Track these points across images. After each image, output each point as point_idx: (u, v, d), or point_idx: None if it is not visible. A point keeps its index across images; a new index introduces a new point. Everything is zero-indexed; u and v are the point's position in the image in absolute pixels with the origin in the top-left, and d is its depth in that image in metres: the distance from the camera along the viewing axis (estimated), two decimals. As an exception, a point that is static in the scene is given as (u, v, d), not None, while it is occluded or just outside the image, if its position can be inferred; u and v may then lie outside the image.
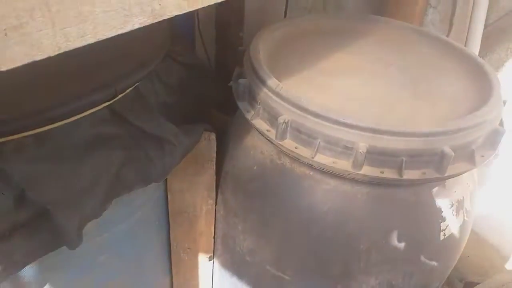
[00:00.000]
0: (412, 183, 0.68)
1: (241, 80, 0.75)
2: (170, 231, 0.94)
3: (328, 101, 0.71)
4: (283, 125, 0.66)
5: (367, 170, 0.64)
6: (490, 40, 0.98)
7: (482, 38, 0.98)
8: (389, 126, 0.61)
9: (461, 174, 0.67)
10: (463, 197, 0.76)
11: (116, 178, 0.66)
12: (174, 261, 1.01)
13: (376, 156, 0.63)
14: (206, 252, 1.00)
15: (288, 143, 0.68)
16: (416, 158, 0.63)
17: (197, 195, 0.88)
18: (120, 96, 0.65)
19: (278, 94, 0.68)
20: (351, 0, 1.17)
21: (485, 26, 0.99)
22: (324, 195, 0.72)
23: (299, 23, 0.94)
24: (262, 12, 1.37)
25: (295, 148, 0.68)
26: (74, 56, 0.68)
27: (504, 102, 0.76)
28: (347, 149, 0.64)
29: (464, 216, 0.78)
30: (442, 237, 0.75)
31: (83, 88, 0.60)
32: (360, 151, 0.61)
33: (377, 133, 0.61)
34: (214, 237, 0.97)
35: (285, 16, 1.23)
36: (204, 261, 1.01)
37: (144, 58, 0.69)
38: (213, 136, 0.79)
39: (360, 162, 0.63)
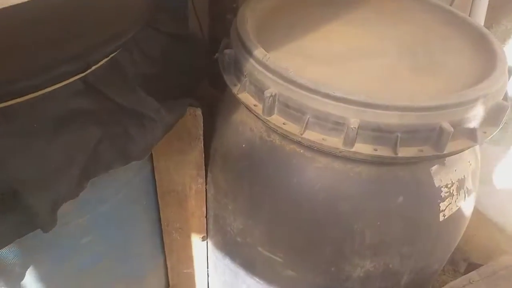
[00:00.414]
0: (408, 161, 0.63)
1: (226, 51, 0.70)
2: (160, 211, 0.91)
3: (319, 74, 0.66)
4: (270, 99, 0.62)
5: (359, 148, 0.60)
6: (496, 10, 0.92)
7: (488, 8, 0.92)
8: (382, 99, 0.57)
9: (461, 152, 0.62)
10: (464, 176, 0.72)
11: (93, 156, 0.62)
12: (166, 241, 0.99)
13: (369, 132, 0.59)
14: (199, 232, 0.97)
15: (276, 119, 0.64)
16: (412, 134, 0.58)
17: (185, 174, 0.85)
18: (94, 67, 0.61)
19: (265, 66, 0.63)
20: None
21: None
22: (315, 173, 0.68)
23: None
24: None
25: (283, 124, 0.63)
26: (41, 24, 0.64)
27: (510, 74, 0.71)
28: (337, 125, 0.59)
29: (465, 196, 0.73)
30: (441, 218, 0.71)
31: (52, 59, 0.55)
32: (352, 126, 0.57)
33: (369, 107, 0.57)
34: (206, 217, 0.94)
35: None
36: (197, 241, 0.99)
37: (120, 27, 0.64)
38: (199, 112, 0.75)
39: (351, 139, 0.58)
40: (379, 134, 0.58)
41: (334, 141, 0.60)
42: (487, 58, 0.70)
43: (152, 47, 0.74)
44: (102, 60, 0.62)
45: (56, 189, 0.57)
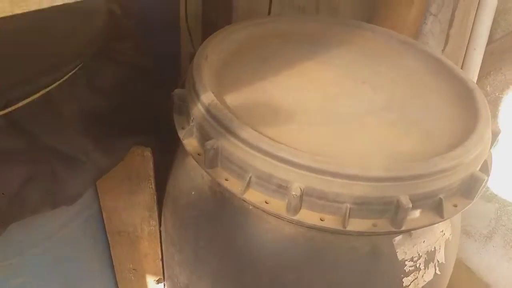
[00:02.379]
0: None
1: (177, 90, 0.64)
2: (111, 251, 0.85)
3: (274, 126, 0.59)
4: (211, 152, 0.55)
5: (304, 215, 0.52)
6: (494, 56, 0.84)
7: (486, 54, 0.84)
8: (330, 164, 0.49)
9: (423, 228, 0.54)
10: (434, 248, 0.63)
11: (16, 198, 0.57)
12: (120, 280, 0.92)
13: (315, 199, 0.51)
14: (154, 274, 0.90)
15: (219, 173, 0.57)
16: (364, 206, 0.51)
17: (136, 215, 0.78)
18: (19, 104, 0.55)
19: (209, 112, 0.57)
20: (345, 2, 1.04)
21: (491, 41, 0.85)
22: (263, 235, 0.60)
23: (269, 23, 0.82)
24: (250, 11, 1.26)
25: (225, 179, 0.56)
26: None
27: (495, 137, 0.63)
28: (281, 188, 0.52)
29: (435, 270, 0.65)
30: (404, 295, 0.62)
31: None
32: (293, 193, 0.49)
33: (314, 172, 0.49)
34: (162, 260, 0.87)
35: (269, 13, 1.11)
36: (153, 284, 0.92)
37: (58, 59, 0.59)
38: (147, 152, 0.69)
39: (294, 206, 0.51)
40: (327, 203, 0.51)
41: (277, 205, 0.53)
42: (469, 118, 0.62)
43: (104, 79, 0.69)
44: (30, 96, 0.56)
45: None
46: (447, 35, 0.85)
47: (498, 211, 0.99)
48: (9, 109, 0.54)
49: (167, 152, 0.76)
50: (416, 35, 0.92)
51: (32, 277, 0.71)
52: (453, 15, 0.83)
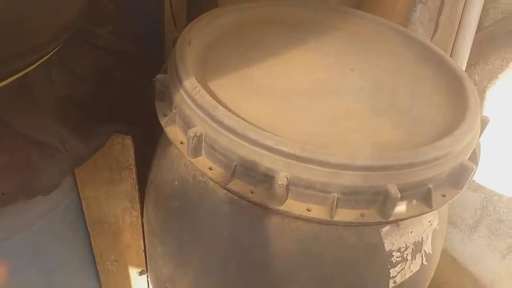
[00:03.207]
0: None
1: (158, 76, 0.61)
2: (92, 241, 0.82)
3: (259, 113, 0.57)
4: (195, 140, 0.53)
5: (290, 206, 0.51)
6: (483, 46, 0.83)
7: (475, 43, 0.83)
8: (318, 153, 0.47)
9: (412, 218, 0.53)
10: (422, 238, 0.62)
11: (-12, 188, 0.54)
12: (101, 272, 0.89)
13: (302, 189, 0.50)
14: (137, 266, 0.88)
15: (202, 162, 0.55)
16: (352, 196, 0.49)
17: (117, 205, 0.76)
18: (-9, 88, 0.52)
19: (192, 99, 0.54)
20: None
21: (479, 30, 0.84)
22: (248, 225, 0.58)
23: (255, 9, 0.80)
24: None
25: (209, 168, 0.54)
26: None
27: (484, 125, 0.62)
28: (266, 178, 0.50)
29: (422, 260, 0.64)
30: (391, 285, 0.61)
31: None
32: (279, 183, 0.48)
33: (301, 161, 0.48)
34: (144, 251, 0.85)
35: None
36: (136, 275, 0.90)
37: (33, 42, 0.55)
38: (128, 140, 0.66)
39: (280, 196, 0.49)
40: (314, 192, 0.49)
41: (262, 195, 0.51)
42: (458, 107, 0.61)
43: (82, 64, 0.66)
44: (4, 80, 0.53)
45: None
46: (436, 23, 0.84)
47: (484, 201, 0.99)
48: (-21, 94, 0.51)
49: (150, 141, 0.74)
50: (405, 23, 0.91)
51: (9, 269, 0.68)
52: (442, 3, 0.82)
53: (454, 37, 0.81)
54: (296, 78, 0.65)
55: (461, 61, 0.82)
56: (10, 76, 0.54)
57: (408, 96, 0.65)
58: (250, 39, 0.74)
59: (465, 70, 0.89)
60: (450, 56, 0.84)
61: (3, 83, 0.54)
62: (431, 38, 0.86)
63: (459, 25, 0.80)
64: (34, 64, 0.57)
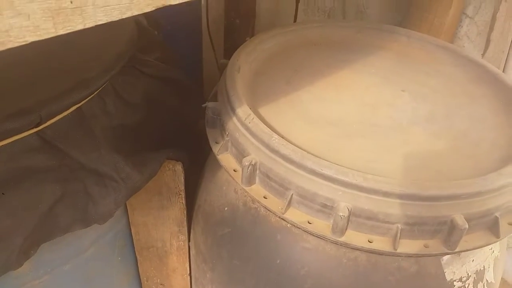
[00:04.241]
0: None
1: (210, 103, 0.61)
2: (139, 266, 0.83)
3: (314, 140, 0.56)
4: (249, 168, 0.53)
5: (351, 237, 0.49)
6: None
7: (528, 58, 0.80)
8: (380, 182, 0.46)
9: (478, 248, 0.51)
10: (483, 267, 0.60)
11: (47, 218, 0.55)
12: (147, 295, 0.90)
13: (363, 220, 0.48)
14: (182, 289, 0.88)
15: (256, 190, 0.55)
16: (416, 227, 0.47)
17: (165, 230, 0.76)
18: (52, 120, 0.53)
19: (246, 127, 0.54)
20: (373, 6, 1.00)
21: (532, 44, 0.80)
22: (302, 255, 0.57)
23: (298, 31, 0.79)
24: (274, 15, 1.23)
25: (264, 197, 0.54)
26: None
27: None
28: (325, 208, 0.49)
29: (484, 289, 0.61)
30: (452, 316, 0.58)
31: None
32: (340, 214, 0.46)
33: (364, 192, 0.46)
34: (190, 275, 0.84)
35: (295, 20, 1.08)
36: (181, 298, 0.90)
37: (88, 74, 0.57)
38: (178, 167, 0.66)
39: (341, 227, 0.48)
40: (376, 223, 0.48)
41: (321, 226, 0.50)
42: (519, 128, 0.59)
43: (133, 93, 0.67)
44: (62, 113, 0.54)
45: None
46: (487, 39, 0.81)
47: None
48: (42, 126, 0.52)
49: (195, 164, 0.74)
50: (452, 39, 0.88)
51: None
52: (494, 18, 0.79)
53: (506, 54, 0.78)
54: (346, 102, 0.64)
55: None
56: (68, 108, 0.55)
57: (465, 117, 0.63)
58: (296, 62, 0.73)
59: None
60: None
61: (61, 115, 0.55)
62: (482, 55, 0.83)
63: (512, 41, 0.77)
64: (89, 95, 0.58)
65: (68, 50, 0.62)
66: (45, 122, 0.52)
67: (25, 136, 0.52)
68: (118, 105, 0.64)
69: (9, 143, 0.51)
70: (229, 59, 0.68)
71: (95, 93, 0.59)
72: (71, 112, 0.56)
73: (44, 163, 0.54)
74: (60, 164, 0.55)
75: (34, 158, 0.53)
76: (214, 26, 1.27)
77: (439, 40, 0.76)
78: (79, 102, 0.56)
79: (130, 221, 0.73)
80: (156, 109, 0.70)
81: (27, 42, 0.27)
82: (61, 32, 0.28)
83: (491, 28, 0.80)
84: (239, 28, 1.21)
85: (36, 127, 0.51)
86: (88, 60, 0.60)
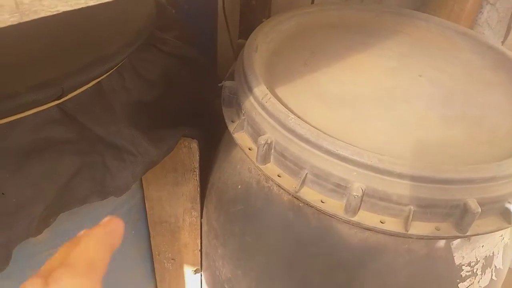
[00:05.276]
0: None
1: (227, 82, 0.62)
2: (151, 240, 0.85)
3: (330, 120, 0.56)
4: (265, 147, 0.53)
5: (363, 217, 0.50)
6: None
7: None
8: (395, 164, 0.47)
9: (489, 233, 0.51)
10: (493, 252, 0.60)
11: (66, 188, 0.56)
12: (157, 270, 0.92)
13: (376, 200, 0.49)
14: (192, 264, 0.90)
15: (271, 169, 0.55)
16: (429, 209, 0.48)
17: (179, 206, 0.78)
18: (73, 94, 0.54)
19: (263, 106, 0.55)
20: (392, -11, 0.99)
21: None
22: (313, 233, 0.58)
23: (317, 13, 0.79)
24: (291, -3, 1.22)
25: (278, 176, 0.54)
26: (7, 45, 0.58)
27: None
28: (339, 187, 0.50)
29: (492, 275, 0.62)
30: (459, 300, 0.59)
31: (19, 85, 0.49)
32: (354, 194, 0.47)
33: (378, 173, 0.47)
34: (200, 250, 0.86)
35: (312, 2, 1.08)
36: (190, 273, 0.92)
37: (110, 48, 0.57)
38: (194, 144, 0.67)
39: (353, 207, 0.49)
40: (389, 204, 0.49)
41: (334, 205, 0.51)
42: (536, 116, 0.58)
43: (151, 70, 0.68)
44: (82, 87, 0.55)
45: (12, 227, 0.51)
46: (508, 26, 0.80)
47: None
48: (63, 99, 0.53)
49: (209, 143, 0.75)
50: (472, 25, 0.87)
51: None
52: (515, 4, 0.78)
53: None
54: (363, 84, 0.64)
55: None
56: (89, 83, 0.56)
57: (481, 104, 0.62)
58: (314, 44, 0.73)
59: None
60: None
61: (82, 89, 0.56)
62: (502, 42, 0.82)
63: (533, 28, 0.76)
64: (110, 70, 0.59)
65: (89, 25, 0.62)
66: (66, 95, 0.53)
67: (46, 108, 0.53)
68: (137, 81, 0.64)
69: (31, 114, 0.52)
70: (244, 40, 0.68)
71: (114, 69, 0.60)
72: (91, 86, 0.57)
73: (64, 136, 0.55)
74: (80, 137, 0.56)
75: (55, 130, 0.55)
76: (230, 6, 1.26)
77: (459, 26, 0.75)
78: (99, 77, 0.57)
79: (145, 195, 0.75)
80: (173, 87, 0.71)
81: (59, 12, 0.28)
82: (91, 2, 0.29)
83: (513, 15, 0.79)
84: (255, 9, 1.20)
85: (57, 99, 0.53)
86: (108, 36, 0.61)
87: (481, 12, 0.86)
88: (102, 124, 0.57)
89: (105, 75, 0.58)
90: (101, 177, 0.58)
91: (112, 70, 0.60)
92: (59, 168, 0.55)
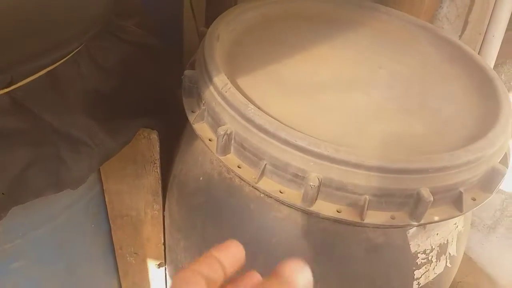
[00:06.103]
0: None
1: (187, 72, 0.61)
2: (112, 234, 0.83)
3: (289, 110, 0.56)
4: (224, 137, 0.53)
5: (320, 206, 0.50)
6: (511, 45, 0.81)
7: (503, 42, 0.81)
8: (351, 154, 0.47)
9: (442, 221, 0.53)
10: (447, 240, 0.62)
11: (19, 181, 0.54)
12: (120, 264, 0.90)
13: (332, 190, 0.49)
14: (155, 258, 0.88)
15: (231, 159, 0.55)
16: (383, 198, 0.49)
17: (140, 199, 0.76)
18: (24, 81, 0.52)
19: (223, 96, 0.54)
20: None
21: (509, 28, 0.82)
22: (274, 224, 0.58)
23: (279, 3, 0.79)
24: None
25: (238, 167, 0.54)
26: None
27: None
28: (297, 178, 0.50)
29: (446, 262, 0.64)
30: (415, 287, 0.61)
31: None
32: (311, 184, 0.47)
33: (334, 163, 0.47)
34: (164, 244, 0.85)
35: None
36: (154, 267, 0.91)
37: (62, 35, 0.55)
38: (154, 135, 0.66)
39: (311, 197, 0.49)
40: (345, 194, 0.49)
41: (292, 195, 0.51)
42: (489, 109, 0.60)
43: (109, 58, 0.66)
44: (34, 74, 0.53)
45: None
46: (465, 21, 0.82)
47: (504, 202, 0.98)
48: (13, 86, 0.51)
49: (172, 134, 0.74)
50: (431, 20, 0.89)
51: (32, 260, 0.69)
52: (472, 0, 0.80)
53: (483, 36, 0.79)
54: (323, 76, 0.65)
55: (490, 61, 0.81)
56: (41, 70, 0.54)
57: (438, 96, 0.64)
58: (276, 34, 0.73)
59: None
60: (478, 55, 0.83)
61: (34, 76, 0.54)
62: (459, 36, 0.84)
63: (489, 23, 0.78)
64: (64, 58, 0.57)
65: (42, 12, 0.60)
66: (16, 83, 0.51)
67: (-5, 96, 0.50)
68: (94, 70, 0.62)
69: (-21, 102, 0.50)
70: (207, 29, 0.67)
71: (69, 56, 0.58)
72: (44, 73, 0.54)
73: (15, 125, 0.53)
74: (32, 126, 0.54)
75: (5, 120, 0.52)
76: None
77: (418, 20, 0.77)
78: (52, 64, 0.55)
79: (104, 188, 0.73)
80: (132, 76, 0.69)
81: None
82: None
83: (470, 10, 0.81)
84: (222, -1, 1.19)
85: (6, 87, 0.50)
86: (62, 22, 0.58)
87: (441, 7, 0.88)
88: (56, 114, 0.55)
89: (59, 63, 0.56)
90: (56, 169, 0.56)
91: (66, 58, 0.57)
92: (10, 159, 0.53)
